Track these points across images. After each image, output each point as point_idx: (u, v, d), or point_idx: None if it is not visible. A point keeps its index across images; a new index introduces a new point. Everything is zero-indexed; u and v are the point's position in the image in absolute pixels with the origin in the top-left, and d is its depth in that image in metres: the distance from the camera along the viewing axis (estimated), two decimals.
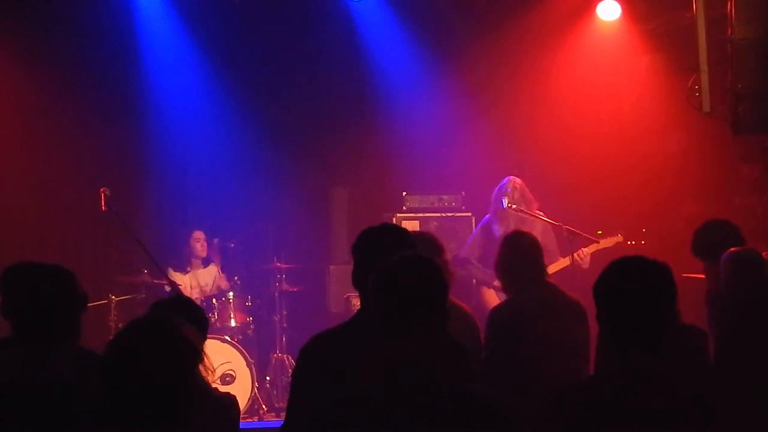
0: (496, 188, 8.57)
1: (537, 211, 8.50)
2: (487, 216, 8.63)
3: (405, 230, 3.88)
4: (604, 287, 3.10)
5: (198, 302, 8.88)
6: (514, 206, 8.36)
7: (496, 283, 5.90)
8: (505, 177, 8.62)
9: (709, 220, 6.09)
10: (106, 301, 8.70)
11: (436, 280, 2.98)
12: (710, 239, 5.87)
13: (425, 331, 2.91)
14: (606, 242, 8.60)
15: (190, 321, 2.93)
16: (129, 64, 9.84)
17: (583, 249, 8.46)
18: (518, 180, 8.57)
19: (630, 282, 3.05)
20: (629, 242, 8.78)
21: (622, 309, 3.03)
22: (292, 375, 3.62)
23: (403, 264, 3.00)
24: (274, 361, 9.29)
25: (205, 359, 2.83)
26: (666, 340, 3.03)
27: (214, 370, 3.73)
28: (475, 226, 9.38)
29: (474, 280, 8.68)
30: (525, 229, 6.67)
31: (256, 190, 10.26)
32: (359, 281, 3.62)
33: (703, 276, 6.18)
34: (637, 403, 2.95)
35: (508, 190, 8.45)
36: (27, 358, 3.48)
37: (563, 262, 8.23)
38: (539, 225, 8.33)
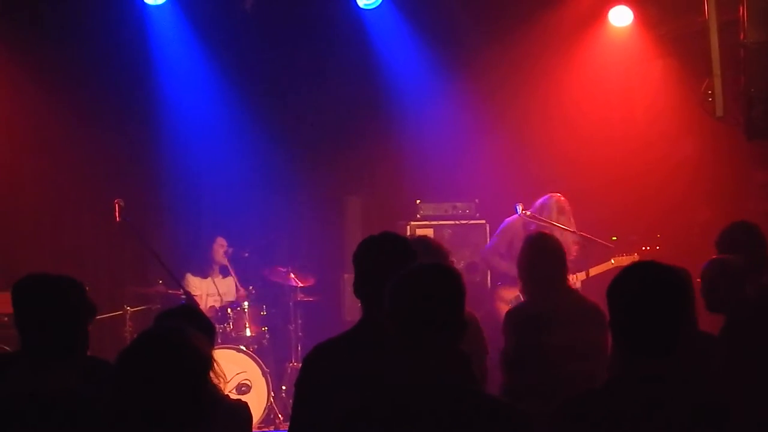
0: (539, 201, 8.53)
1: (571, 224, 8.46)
2: (509, 219, 8.55)
3: (405, 239, 3.89)
4: (617, 292, 3.06)
5: (215, 310, 8.97)
6: (528, 212, 8.34)
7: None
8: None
9: (733, 222, 6.01)
10: (121, 312, 8.74)
11: (455, 290, 2.98)
12: (731, 242, 5.80)
13: (444, 340, 2.92)
14: (621, 260, 8.53)
15: (196, 329, 2.94)
16: (142, 74, 9.87)
17: (596, 268, 8.47)
18: (560, 197, 8.51)
19: (644, 287, 3.01)
20: (645, 248, 8.75)
21: (636, 314, 2.99)
22: (295, 385, 3.61)
23: (423, 274, 3.00)
24: (289, 370, 9.28)
25: (216, 366, 2.84)
26: (682, 345, 2.99)
27: (225, 377, 3.72)
28: (489, 233, 9.35)
29: (489, 286, 8.66)
30: None
31: (270, 200, 10.26)
32: (360, 290, 3.64)
33: None
34: (650, 408, 2.93)
35: (549, 205, 8.42)
36: (36, 370, 3.49)
37: (581, 276, 8.22)
38: (560, 237, 8.27)
